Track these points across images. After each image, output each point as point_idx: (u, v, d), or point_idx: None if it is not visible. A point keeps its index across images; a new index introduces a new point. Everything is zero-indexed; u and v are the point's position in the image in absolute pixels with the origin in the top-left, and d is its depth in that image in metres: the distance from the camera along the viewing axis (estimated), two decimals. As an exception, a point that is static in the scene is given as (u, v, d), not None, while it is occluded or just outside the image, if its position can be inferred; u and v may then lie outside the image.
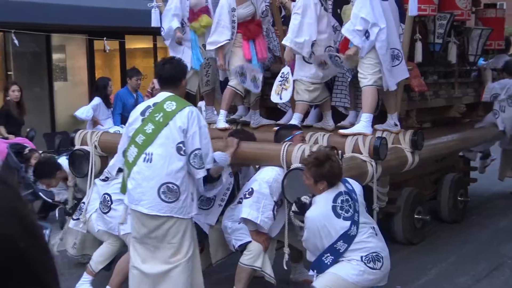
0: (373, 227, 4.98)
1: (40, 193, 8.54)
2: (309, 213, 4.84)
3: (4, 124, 9.57)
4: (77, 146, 6.60)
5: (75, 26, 13.52)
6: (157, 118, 4.94)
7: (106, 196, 5.89)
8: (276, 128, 6.41)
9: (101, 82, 10.30)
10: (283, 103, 7.31)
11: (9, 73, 13.06)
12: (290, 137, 5.80)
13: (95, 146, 6.43)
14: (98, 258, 5.95)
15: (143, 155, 4.92)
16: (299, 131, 6.03)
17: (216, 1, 7.08)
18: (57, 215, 8.23)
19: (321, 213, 4.80)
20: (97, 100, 9.75)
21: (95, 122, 9.68)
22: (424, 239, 7.71)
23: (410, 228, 7.43)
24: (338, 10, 6.97)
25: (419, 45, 7.13)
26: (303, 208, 4.99)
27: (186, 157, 4.93)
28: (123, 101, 10.04)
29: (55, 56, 14.41)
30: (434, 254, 7.19)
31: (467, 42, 8.58)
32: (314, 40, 6.54)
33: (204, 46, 7.23)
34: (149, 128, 4.94)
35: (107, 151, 6.30)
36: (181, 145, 4.91)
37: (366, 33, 6.20)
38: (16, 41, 11.59)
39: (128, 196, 5.04)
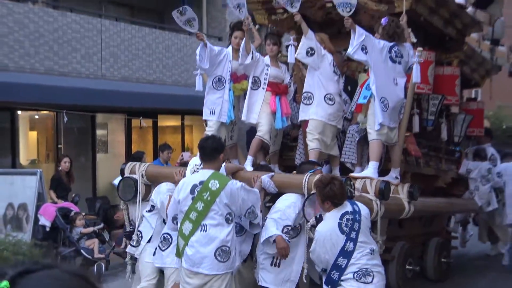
0: (372, 249, 4.93)
1: (82, 251, 8.59)
2: (319, 227, 4.93)
3: (55, 189, 9.71)
4: (127, 175, 6.67)
5: (116, 107, 13.70)
6: (205, 197, 5.16)
7: (167, 235, 5.80)
8: (295, 172, 6.43)
9: (137, 154, 10.40)
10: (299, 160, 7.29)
11: (59, 146, 13.18)
12: (312, 170, 5.84)
13: (142, 175, 6.53)
14: None
15: (200, 227, 5.15)
16: (320, 167, 6.13)
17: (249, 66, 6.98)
18: (95, 270, 8.22)
19: (329, 227, 4.85)
20: (132, 170, 9.80)
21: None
22: (413, 291, 7.60)
23: (402, 276, 7.38)
24: (349, 87, 7.09)
25: (416, 118, 7.27)
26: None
27: (233, 223, 5.21)
28: (155, 171, 10.08)
29: (99, 132, 14.52)
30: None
31: (453, 125, 8.72)
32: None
33: (233, 107, 7.11)
34: (200, 206, 5.16)
35: (152, 180, 6.45)
36: (228, 216, 5.19)
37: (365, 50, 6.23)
38: (65, 119, 11.77)
39: (188, 261, 5.18)
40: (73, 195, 10.03)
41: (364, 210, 5.02)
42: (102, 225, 9.31)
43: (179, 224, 5.29)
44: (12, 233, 8.63)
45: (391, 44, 6.45)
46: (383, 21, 6.54)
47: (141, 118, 13.48)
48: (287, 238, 5.45)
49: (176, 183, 5.94)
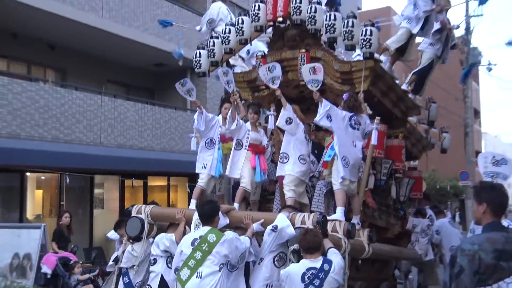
0: None
1: (80, 296, 8.13)
2: (291, 265, 4.95)
3: (56, 241, 9.51)
4: (134, 214, 6.61)
5: (112, 170, 13.67)
6: (203, 248, 5.21)
7: None
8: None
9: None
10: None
11: (61, 203, 12.87)
12: (293, 212, 5.92)
13: (147, 215, 6.49)
14: None
15: (196, 273, 5.16)
16: (298, 212, 6.15)
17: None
18: (92, 314, 7.72)
19: (295, 271, 4.83)
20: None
21: (121, 241, 9.25)
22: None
23: None
24: (316, 151, 7.25)
25: (372, 178, 7.43)
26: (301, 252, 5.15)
27: (224, 269, 5.18)
28: (143, 226, 9.68)
29: (96, 191, 14.43)
30: None
31: (399, 187, 8.76)
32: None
33: (221, 163, 7.17)
34: (198, 255, 5.20)
35: (155, 219, 6.50)
36: (221, 265, 5.20)
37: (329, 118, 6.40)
38: (67, 180, 11.34)
39: None
40: (72, 245, 9.86)
41: (334, 270, 4.86)
42: (96, 272, 8.87)
43: (178, 272, 5.35)
44: (17, 279, 8.55)
45: (351, 114, 6.70)
46: (345, 96, 6.87)
47: (133, 179, 13.44)
48: (276, 264, 5.53)
49: (177, 221, 6.12)
